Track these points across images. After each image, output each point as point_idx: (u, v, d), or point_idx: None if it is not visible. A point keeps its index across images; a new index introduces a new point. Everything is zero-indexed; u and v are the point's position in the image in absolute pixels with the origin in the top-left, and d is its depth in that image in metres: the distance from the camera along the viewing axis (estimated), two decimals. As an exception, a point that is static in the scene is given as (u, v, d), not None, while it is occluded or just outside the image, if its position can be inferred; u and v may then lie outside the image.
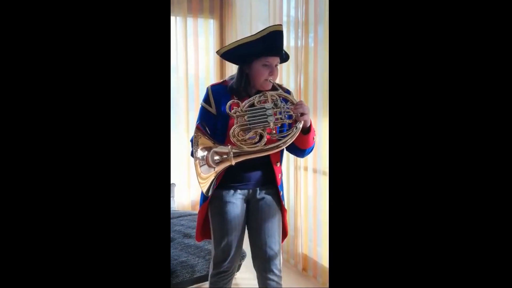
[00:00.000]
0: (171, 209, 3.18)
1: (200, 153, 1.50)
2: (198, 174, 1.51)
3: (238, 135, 1.52)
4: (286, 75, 3.01)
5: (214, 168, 1.53)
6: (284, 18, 2.98)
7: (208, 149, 1.52)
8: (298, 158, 2.81)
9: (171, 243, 2.46)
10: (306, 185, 2.81)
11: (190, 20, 3.73)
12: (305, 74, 2.72)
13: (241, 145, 1.51)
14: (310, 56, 2.68)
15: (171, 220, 2.79)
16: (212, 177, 1.54)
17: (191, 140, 1.53)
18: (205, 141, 1.53)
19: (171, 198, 3.22)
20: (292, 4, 2.87)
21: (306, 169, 2.79)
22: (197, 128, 1.55)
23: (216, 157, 1.52)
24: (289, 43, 2.94)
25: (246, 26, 3.50)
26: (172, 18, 3.64)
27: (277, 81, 2.76)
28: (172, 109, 3.73)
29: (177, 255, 2.34)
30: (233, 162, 1.52)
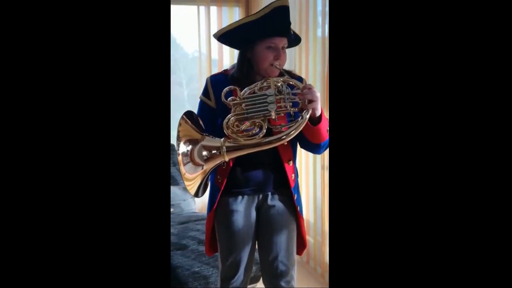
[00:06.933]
0: (191, 210, 3.03)
1: (183, 147, 1.23)
2: (182, 175, 1.25)
3: (232, 126, 1.29)
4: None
5: (203, 166, 1.28)
6: (319, 8, 2.71)
7: (193, 142, 1.26)
8: (325, 157, 2.57)
9: (184, 251, 2.30)
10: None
11: (214, 9, 3.53)
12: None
13: (237, 138, 1.28)
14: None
15: (187, 224, 2.62)
16: (200, 178, 1.29)
17: None
18: (189, 131, 1.27)
19: (191, 199, 3.06)
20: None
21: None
22: (182, 117, 1.29)
23: (204, 153, 1.27)
24: (316, 34, 2.70)
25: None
26: (195, 8, 3.47)
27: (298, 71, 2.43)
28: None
29: (189, 265, 2.18)
30: (227, 158, 1.29)
